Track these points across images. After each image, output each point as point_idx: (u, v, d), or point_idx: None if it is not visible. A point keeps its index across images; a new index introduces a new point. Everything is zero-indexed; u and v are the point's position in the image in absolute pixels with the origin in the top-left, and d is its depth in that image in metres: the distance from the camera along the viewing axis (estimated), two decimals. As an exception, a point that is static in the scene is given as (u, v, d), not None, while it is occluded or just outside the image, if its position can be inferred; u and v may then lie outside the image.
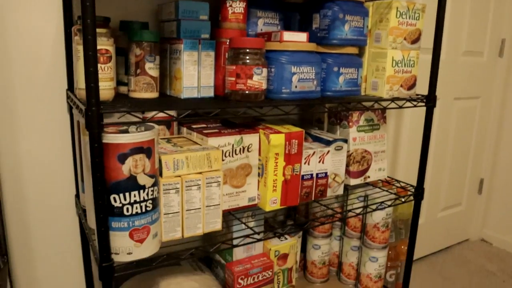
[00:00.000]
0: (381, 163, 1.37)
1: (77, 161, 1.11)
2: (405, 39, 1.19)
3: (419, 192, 1.34)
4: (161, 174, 0.90)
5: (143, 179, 0.82)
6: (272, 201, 1.10)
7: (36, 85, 1.07)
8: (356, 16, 1.13)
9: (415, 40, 1.21)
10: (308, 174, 1.16)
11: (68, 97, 1.08)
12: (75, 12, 1.07)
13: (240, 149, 1.06)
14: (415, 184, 1.41)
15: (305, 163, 1.14)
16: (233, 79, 0.97)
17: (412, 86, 1.24)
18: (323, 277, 1.52)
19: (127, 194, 0.81)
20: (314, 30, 1.16)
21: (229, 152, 1.04)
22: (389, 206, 1.31)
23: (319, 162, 1.17)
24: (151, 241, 0.86)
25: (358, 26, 1.14)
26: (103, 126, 0.75)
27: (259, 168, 1.10)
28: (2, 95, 1.04)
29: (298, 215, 1.51)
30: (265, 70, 0.98)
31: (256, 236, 1.05)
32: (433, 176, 2.15)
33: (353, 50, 1.18)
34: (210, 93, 1.05)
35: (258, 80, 0.97)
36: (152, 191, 0.85)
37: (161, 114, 1.01)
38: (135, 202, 0.82)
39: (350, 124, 1.28)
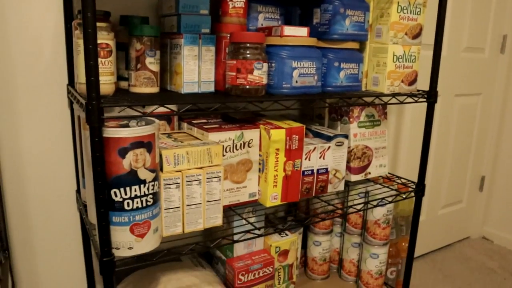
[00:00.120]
0: (382, 159, 1.37)
1: (77, 156, 1.11)
2: (406, 34, 1.19)
3: (420, 188, 1.34)
4: (161, 169, 0.90)
5: (143, 174, 0.82)
6: (272, 197, 1.09)
7: (37, 80, 1.07)
8: (357, 10, 1.13)
9: (416, 35, 1.21)
10: (308, 170, 1.16)
11: (68, 92, 1.08)
12: (75, 7, 1.07)
13: (241, 144, 1.06)
14: (416, 180, 1.41)
15: (305, 158, 1.14)
16: (234, 74, 0.97)
17: (413, 82, 1.24)
18: (323, 273, 1.52)
19: (127, 188, 0.81)
20: (315, 25, 1.15)
21: (230, 148, 1.04)
22: (390, 202, 1.31)
23: (320, 157, 1.17)
24: (151, 236, 0.86)
25: (359, 21, 1.14)
26: (103, 120, 0.75)
27: (259, 163, 1.10)
28: (2, 91, 1.04)
29: (298, 212, 1.51)
30: (265, 65, 0.98)
31: (256, 231, 1.04)
32: (434, 173, 2.15)
33: (354, 45, 1.18)
34: (211, 88, 1.05)
35: (259, 75, 0.97)
36: (153, 185, 0.85)
37: (161, 109, 1.01)
38: (136, 196, 0.82)
39: (351, 120, 1.28)
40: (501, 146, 2.37)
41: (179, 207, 0.93)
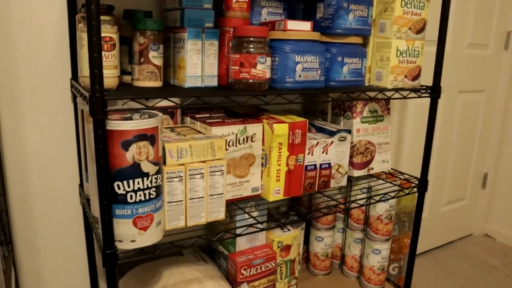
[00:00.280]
0: (384, 155, 1.37)
1: (80, 150, 1.12)
2: (410, 29, 1.18)
3: (423, 184, 1.34)
4: (164, 162, 0.90)
5: (146, 167, 0.82)
6: (275, 191, 1.10)
7: (40, 74, 1.07)
8: (361, 5, 1.12)
9: (420, 30, 1.20)
10: (311, 165, 1.16)
11: (72, 86, 1.08)
12: (79, 1, 1.07)
13: (244, 138, 1.06)
14: (418, 176, 1.41)
15: (308, 153, 1.14)
16: (237, 68, 0.97)
17: (416, 77, 1.23)
18: (325, 269, 1.52)
19: (130, 181, 0.81)
20: (318, 19, 1.15)
21: (233, 142, 1.04)
22: (393, 197, 1.31)
23: (323, 152, 1.17)
24: (154, 229, 0.86)
25: (362, 16, 1.14)
26: (107, 113, 0.75)
27: (262, 158, 1.10)
28: (5, 85, 1.04)
29: (301, 207, 1.51)
30: (269, 59, 0.98)
31: (259, 225, 1.04)
32: (436, 170, 2.14)
33: (357, 39, 1.17)
34: (214, 82, 1.05)
35: (262, 69, 0.97)
36: (156, 178, 0.85)
37: (165, 103, 1.01)
38: (139, 189, 0.82)
39: (354, 115, 1.28)
40: (504, 143, 2.37)
41: (182, 200, 0.93)
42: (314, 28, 1.15)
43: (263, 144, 1.09)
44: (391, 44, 1.17)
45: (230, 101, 1.04)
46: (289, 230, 1.32)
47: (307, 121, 1.10)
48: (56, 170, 1.14)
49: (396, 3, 1.14)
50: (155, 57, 0.98)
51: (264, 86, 0.99)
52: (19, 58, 1.04)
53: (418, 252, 2.21)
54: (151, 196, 0.84)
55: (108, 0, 1.10)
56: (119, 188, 0.81)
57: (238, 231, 1.02)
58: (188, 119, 1.12)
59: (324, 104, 1.39)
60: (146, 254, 0.88)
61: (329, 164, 1.19)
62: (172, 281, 1.09)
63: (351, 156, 1.29)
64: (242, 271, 1.18)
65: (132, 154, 0.80)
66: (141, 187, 0.82)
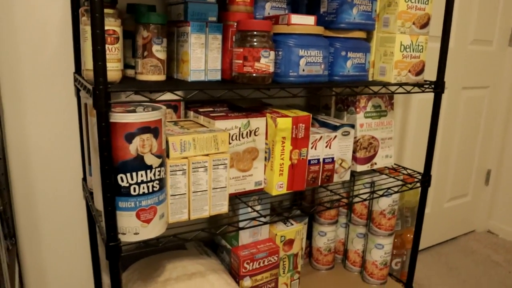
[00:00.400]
0: (388, 150, 1.37)
1: (84, 144, 1.12)
2: (413, 23, 1.18)
3: (426, 179, 1.34)
4: (168, 156, 0.90)
5: (150, 159, 0.82)
6: (278, 185, 1.10)
7: (43, 68, 1.07)
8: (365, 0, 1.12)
9: (424, 25, 1.20)
10: (315, 159, 1.16)
11: (75, 79, 1.08)
12: (83, -6, 1.07)
13: (247, 132, 1.06)
14: (421, 172, 1.40)
15: (312, 147, 1.14)
16: (241, 61, 0.97)
17: (420, 72, 1.23)
18: (328, 264, 1.52)
19: (134, 174, 0.81)
20: (322, 14, 1.15)
21: (236, 136, 1.04)
22: (396, 192, 1.31)
23: (326, 147, 1.17)
24: (157, 221, 0.87)
25: (366, 10, 1.13)
26: (110, 105, 0.76)
27: (265, 152, 1.10)
28: (8, 79, 1.04)
29: (304, 202, 1.51)
30: (272, 53, 0.98)
31: (262, 219, 1.05)
32: (439, 166, 2.14)
33: (361, 34, 1.17)
34: (217, 76, 1.05)
35: (266, 63, 0.97)
36: (159, 171, 0.85)
37: (168, 96, 1.01)
38: (142, 182, 0.82)
39: (358, 110, 1.28)
40: (508, 140, 2.36)
41: (185, 193, 0.93)
42: (318, 23, 1.15)
43: (266, 138, 1.09)
44: (395, 39, 1.16)
45: (234, 95, 1.04)
46: (292, 224, 1.32)
47: (311, 115, 1.10)
48: (59, 164, 1.14)
49: (400, -3, 1.14)
50: (159, 51, 0.98)
51: (268, 80, 0.99)
52: (22, 52, 1.04)
53: (420, 248, 2.21)
54: (154, 189, 0.85)
55: (111, -7, 1.10)
56: (122, 181, 0.81)
57: (241, 225, 1.02)
58: (191, 113, 1.12)
59: (327, 99, 1.38)
60: (149, 247, 0.88)
61: (332, 158, 1.19)
62: (175, 274, 1.09)
63: (354, 151, 1.29)
64: (245, 265, 1.19)
65: (135, 146, 0.80)
66: (145, 180, 0.83)
